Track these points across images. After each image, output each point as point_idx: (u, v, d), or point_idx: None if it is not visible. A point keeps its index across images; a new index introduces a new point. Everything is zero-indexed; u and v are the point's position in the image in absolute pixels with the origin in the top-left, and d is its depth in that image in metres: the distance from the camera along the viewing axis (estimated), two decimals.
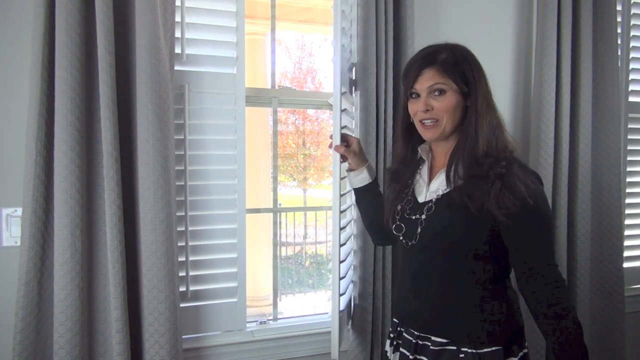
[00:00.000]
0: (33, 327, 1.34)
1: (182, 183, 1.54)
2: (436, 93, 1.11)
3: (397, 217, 1.22)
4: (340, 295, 1.42)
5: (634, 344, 2.22)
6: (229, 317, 1.65)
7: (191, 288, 1.57)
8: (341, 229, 1.37)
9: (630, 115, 2.20)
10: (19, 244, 1.39)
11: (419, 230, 1.16)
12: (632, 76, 2.20)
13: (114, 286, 1.33)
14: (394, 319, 1.29)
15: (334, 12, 1.34)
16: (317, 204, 8.85)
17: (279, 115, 1.97)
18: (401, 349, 1.22)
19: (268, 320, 1.80)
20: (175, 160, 1.43)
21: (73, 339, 1.31)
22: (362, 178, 1.37)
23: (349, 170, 1.39)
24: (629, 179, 2.21)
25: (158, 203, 1.36)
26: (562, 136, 1.90)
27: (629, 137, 2.20)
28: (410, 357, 1.17)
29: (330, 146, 1.35)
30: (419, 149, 1.25)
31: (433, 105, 1.11)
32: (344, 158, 1.36)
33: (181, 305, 1.46)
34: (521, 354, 1.12)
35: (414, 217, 1.18)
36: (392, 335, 1.28)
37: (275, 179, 1.92)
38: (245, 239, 1.66)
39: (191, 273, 1.58)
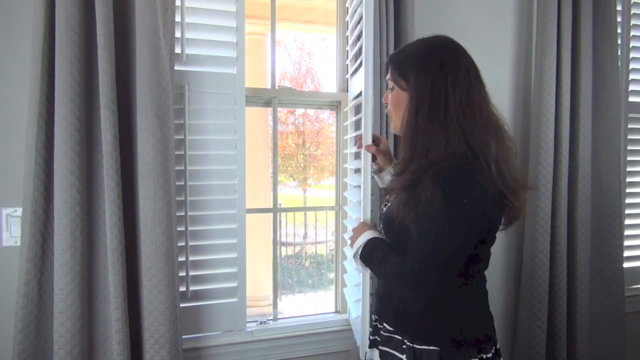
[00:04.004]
0: (33, 327, 1.34)
1: (182, 183, 1.53)
2: (389, 88, 1.15)
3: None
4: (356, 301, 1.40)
5: (634, 344, 2.22)
6: (229, 317, 1.65)
7: (191, 288, 1.57)
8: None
9: (630, 115, 2.20)
10: (19, 244, 1.39)
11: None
12: (632, 76, 2.20)
13: (114, 286, 1.33)
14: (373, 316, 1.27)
15: (364, 13, 1.27)
16: (317, 204, 8.84)
17: (279, 115, 1.97)
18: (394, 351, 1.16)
19: (268, 320, 1.80)
20: (175, 160, 1.43)
21: (73, 339, 1.31)
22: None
23: (377, 171, 1.35)
24: (629, 179, 2.21)
25: (158, 203, 1.36)
26: (562, 136, 1.90)
27: (629, 137, 2.20)
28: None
29: (360, 146, 1.30)
30: None
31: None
32: (373, 158, 1.33)
33: (181, 305, 1.46)
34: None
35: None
36: (371, 337, 1.26)
37: (275, 179, 1.91)
38: (245, 239, 1.66)
39: (191, 273, 1.57)
